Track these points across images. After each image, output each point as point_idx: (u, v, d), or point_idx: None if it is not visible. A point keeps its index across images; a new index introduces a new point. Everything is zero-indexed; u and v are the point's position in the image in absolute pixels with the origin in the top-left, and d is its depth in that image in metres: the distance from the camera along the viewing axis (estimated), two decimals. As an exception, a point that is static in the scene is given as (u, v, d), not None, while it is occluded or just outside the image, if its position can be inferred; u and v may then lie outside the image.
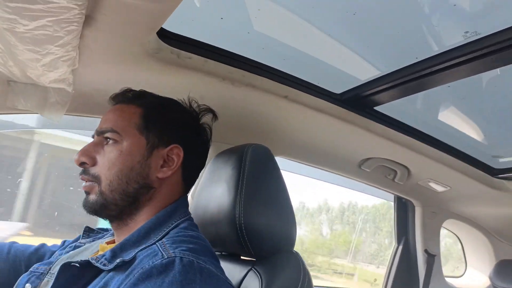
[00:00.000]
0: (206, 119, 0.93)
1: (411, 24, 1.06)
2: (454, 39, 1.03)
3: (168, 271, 0.62)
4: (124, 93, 0.86)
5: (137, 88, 0.91)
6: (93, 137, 0.83)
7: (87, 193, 0.78)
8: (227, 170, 0.95)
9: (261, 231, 0.89)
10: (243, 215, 0.86)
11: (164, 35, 0.92)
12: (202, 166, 0.91)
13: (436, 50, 1.07)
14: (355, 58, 1.25)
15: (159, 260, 0.64)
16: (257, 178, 0.92)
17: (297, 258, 0.91)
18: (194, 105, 0.91)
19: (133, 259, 0.68)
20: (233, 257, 0.99)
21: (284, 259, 0.91)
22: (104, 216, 0.80)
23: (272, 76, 1.09)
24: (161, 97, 0.88)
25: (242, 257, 0.99)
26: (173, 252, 0.66)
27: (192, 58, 0.95)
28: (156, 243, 0.71)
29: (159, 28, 0.80)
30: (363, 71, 1.26)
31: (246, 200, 0.88)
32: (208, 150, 0.93)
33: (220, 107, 1.03)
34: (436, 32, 1.08)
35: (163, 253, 0.66)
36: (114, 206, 0.77)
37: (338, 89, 1.28)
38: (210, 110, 0.93)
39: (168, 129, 0.83)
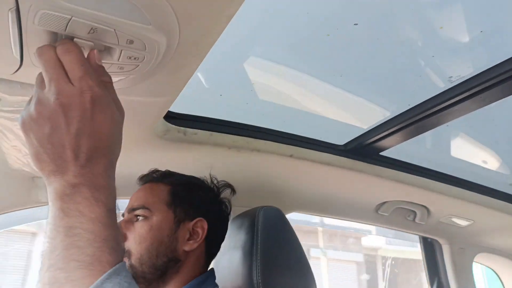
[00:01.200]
0: (226, 193, 1.01)
1: (406, 70, 1.11)
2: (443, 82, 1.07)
3: None
4: (152, 173, 0.95)
5: (148, 166, 0.98)
6: (123, 215, 0.90)
7: None
8: (241, 236, 0.97)
9: (281, 293, 0.90)
10: (261, 279, 0.88)
11: (170, 116, 1.00)
12: (223, 238, 0.97)
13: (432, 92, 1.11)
14: (355, 108, 1.31)
15: None
16: (271, 241, 0.94)
17: (320, 318, 0.91)
18: (215, 181, 0.99)
19: None
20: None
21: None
22: None
23: (275, 138, 1.14)
24: (186, 175, 0.97)
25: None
26: None
27: (198, 134, 1.02)
28: None
29: (163, 115, 0.87)
30: (364, 120, 1.31)
31: (262, 265, 0.89)
32: (228, 223, 0.99)
33: (229, 174, 1.08)
34: (427, 76, 1.14)
35: None
36: (142, 279, 0.82)
37: (341, 141, 1.32)
38: (229, 186, 1.02)
39: (193, 204, 0.90)
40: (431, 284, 1.92)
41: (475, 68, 0.97)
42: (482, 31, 0.92)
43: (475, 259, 1.97)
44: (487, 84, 1.00)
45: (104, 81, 0.49)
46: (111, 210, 0.48)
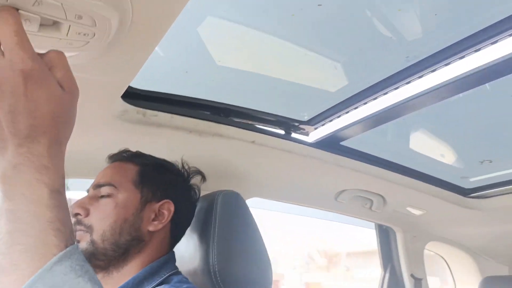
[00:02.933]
0: (196, 180, 1.01)
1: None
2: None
3: None
4: (122, 152, 0.94)
5: (105, 148, 0.96)
6: (87, 191, 0.89)
7: (77, 241, 0.81)
8: (199, 219, 0.98)
9: (236, 277, 0.92)
10: (217, 263, 0.89)
11: (129, 97, 0.98)
12: (189, 223, 0.98)
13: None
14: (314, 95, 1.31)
15: (167, 287, 0.72)
16: (229, 224, 0.95)
17: (273, 301, 0.93)
18: (186, 167, 1.00)
19: None
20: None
21: (261, 303, 0.93)
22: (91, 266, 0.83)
23: (237, 124, 1.15)
24: (157, 158, 0.97)
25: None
26: None
27: (158, 116, 1.01)
28: None
29: (121, 94, 0.85)
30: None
31: (219, 248, 0.90)
32: (196, 208, 1.00)
33: (190, 157, 1.07)
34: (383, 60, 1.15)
35: None
36: (103, 256, 0.81)
37: (302, 116, 1.33)
38: (199, 172, 1.03)
39: (161, 186, 0.90)
40: (385, 269, 2.02)
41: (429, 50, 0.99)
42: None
43: (426, 247, 2.08)
44: (443, 80, 1.05)
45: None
46: (56, 191, 0.45)
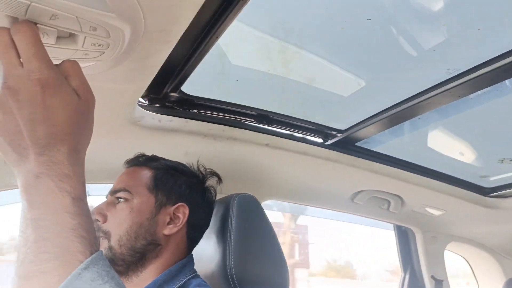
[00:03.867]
0: (212, 181, 1.02)
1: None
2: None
3: None
4: (137, 157, 0.96)
5: (123, 153, 0.98)
6: (106, 197, 0.91)
7: None
8: (216, 223, 0.99)
9: (253, 280, 0.92)
10: (234, 266, 0.89)
11: (145, 103, 1.00)
12: (207, 225, 0.98)
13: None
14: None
15: None
16: (245, 227, 0.96)
17: (290, 303, 0.94)
18: (201, 169, 1.01)
19: None
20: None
21: (278, 306, 0.93)
22: None
23: (251, 127, 1.15)
24: (171, 161, 0.97)
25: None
26: None
27: (173, 121, 1.02)
28: None
29: (137, 100, 0.87)
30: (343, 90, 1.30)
31: (235, 251, 0.91)
32: (213, 210, 1.00)
33: (205, 161, 1.08)
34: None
35: None
36: (121, 262, 0.82)
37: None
38: (215, 174, 1.03)
39: (176, 189, 0.91)
40: (404, 270, 1.99)
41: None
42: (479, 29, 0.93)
43: (447, 248, 2.04)
44: (460, 79, 1.04)
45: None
46: (78, 198, 0.47)
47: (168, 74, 0.93)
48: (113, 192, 0.89)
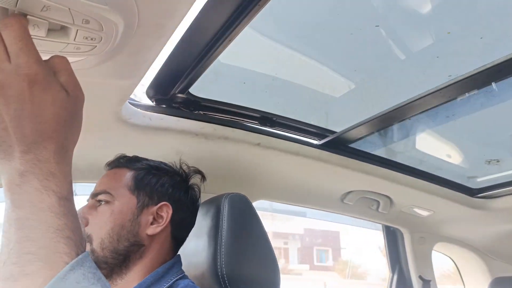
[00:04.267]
0: (196, 179, 1.00)
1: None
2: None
3: None
4: (118, 159, 0.93)
5: (113, 151, 0.96)
6: (87, 200, 0.89)
7: None
8: (207, 222, 0.98)
9: (244, 279, 0.91)
10: (225, 265, 0.89)
11: (135, 100, 0.98)
12: (192, 224, 0.97)
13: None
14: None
15: None
16: (236, 227, 0.95)
17: (280, 303, 0.93)
18: (184, 167, 0.98)
19: None
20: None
21: (269, 305, 0.92)
22: None
23: (242, 126, 1.15)
24: (153, 160, 0.95)
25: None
26: None
27: (164, 119, 1.01)
28: None
29: (128, 98, 0.86)
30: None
31: (226, 250, 0.90)
32: (198, 208, 0.99)
33: (196, 160, 1.08)
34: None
35: None
36: (104, 265, 0.80)
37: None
38: (198, 172, 1.00)
39: (158, 189, 0.89)
40: (392, 270, 2.00)
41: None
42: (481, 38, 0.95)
43: (434, 248, 2.06)
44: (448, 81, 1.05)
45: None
46: (64, 198, 0.45)
47: (177, 75, 0.96)
48: (94, 195, 0.87)
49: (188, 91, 1.05)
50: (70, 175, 0.48)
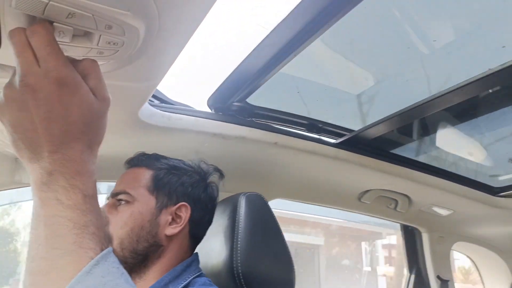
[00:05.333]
0: (214, 177, 1.00)
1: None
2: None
3: None
4: (137, 157, 0.94)
5: (133, 150, 0.98)
6: (107, 199, 0.90)
7: None
8: (223, 221, 0.99)
9: (260, 278, 0.92)
10: (241, 264, 0.89)
11: (155, 102, 1.00)
12: (210, 222, 0.97)
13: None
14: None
15: None
16: (252, 226, 0.96)
17: (297, 302, 0.94)
18: (203, 165, 0.98)
19: None
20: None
21: (284, 303, 0.93)
22: None
23: (259, 126, 1.15)
24: (172, 159, 0.95)
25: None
26: None
27: (183, 120, 1.02)
28: None
29: (148, 99, 0.87)
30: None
31: (242, 249, 0.91)
32: (216, 206, 0.99)
33: (214, 159, 1.08)
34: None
35: None
36: (124, 264, 0.80)
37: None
38: (217, 170, 1.00)
39: (177, 189, 0.90)
40: (410, 270, 1.98)
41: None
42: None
43: (453, 247, 2.03)
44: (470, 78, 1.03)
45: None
46: (89, 196, 0.47)
47: (238, 87, 1.05)
48: (113, 194, 0.88)
49: (246, 101, 1.14)
50: (95, 174, 0.50)
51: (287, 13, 0.79)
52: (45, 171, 0.46)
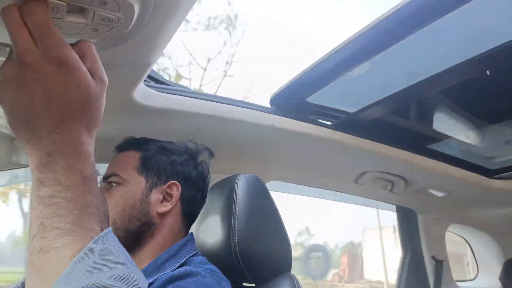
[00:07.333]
0: (204, 156, 1.01)
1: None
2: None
3: (198, 275, 0.69)
4: (125, 141, 0.96)
5: (129, 132, 0.98)
6: (100, 183, 0.91)
7: None
8: (220, 202, 0.99)
9: (257, 258, 0.93)
10: (238, 244, 0.90)
11: (151, 82, 0.99)
12: (203, 199, 0.98)
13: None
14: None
15: (189, 268, 0.72)
16: (249, 206, 0.96)
17: (292, 280, 0.95)
18: (191, 145, 0.99)
19: (154, 281, 0.72)
20: (236, 285, 1.02)
21: (281, 281, 0.94)
22: None
23: (256, 107, 1.15)
24: (160, 141, 0.96)
25: (244, 284, 1.02)
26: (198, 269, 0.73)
27: (180, 100, 1.02)
28: (176, 269, 0.77)
29: (144, 79, 0.87)
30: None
31: (240, 229, 0.92)
32: (208, 184, 1.00)
33: (211, 140, 1.09)
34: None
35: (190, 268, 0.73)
36: None
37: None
38: (206, 149, 1.01)
39: (165, 168, 0.91)
40: (405, 251, 2.01)
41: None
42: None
43: (449, 229, 2.06)
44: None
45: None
46: (88, 177, 0.47)
47: (301, 87, 1.16)
48: (104, 178, 0.90)
49: (306, 100, 1.23)
50: (93, 155, 0.50)
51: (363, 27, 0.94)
52: (44, 152, 0.46)
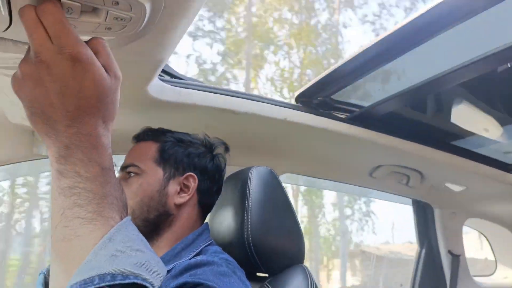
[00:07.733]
0: (220, 149, 1.02)
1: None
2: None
3: (214, 264, 0.71)
4: (143, 132, 0.97)
5: (143, 125, 1.00)
6: (118, 172, 0.94)
7: None
8: (234, 194, 1.01)
9: (270, 249, 0.95)
10: (251, 235, 0.92)
11: (165, 77, 1.01)
12: (218, 190, 1.00)
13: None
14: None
15: (205, 257, 0.75)
16: (262, 198, 0.98)
17: (305, 271, 0.96)
18: (208, 138, 1.00)
19: (171, 269, 0.74)
20: (250, 275, 1.04)
21: (293, 273, 0.96)
22: None
23: (269, 101, 1.16)
24: (177, 132, 0.98)
25: (257, 274, 1.04)
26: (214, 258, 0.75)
27: (192, 94, 1.04)
28: (192, 258, 0.80)
29: (157, 74, 0.88)
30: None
31: (253, 221, 0.93)
32: (223, 176, 1.02)
33: (224, 133, 1.10)
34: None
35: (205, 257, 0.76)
36: None
37: (338, 104, 1.33)
38: (222, 143, 1.03)
39: (183, 160, 0.93)
40: (421, 246, 2.00)
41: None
42: None
43: (467, 223, 2.03)
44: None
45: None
46: (106, 168, 0.49)
47: (329, 84, 1.19)
48: (123, 168, 0.92)
49: (331, 97, 1.26)
50: (110, 147, 0.52)
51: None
52: (62, 145, 0.48)
